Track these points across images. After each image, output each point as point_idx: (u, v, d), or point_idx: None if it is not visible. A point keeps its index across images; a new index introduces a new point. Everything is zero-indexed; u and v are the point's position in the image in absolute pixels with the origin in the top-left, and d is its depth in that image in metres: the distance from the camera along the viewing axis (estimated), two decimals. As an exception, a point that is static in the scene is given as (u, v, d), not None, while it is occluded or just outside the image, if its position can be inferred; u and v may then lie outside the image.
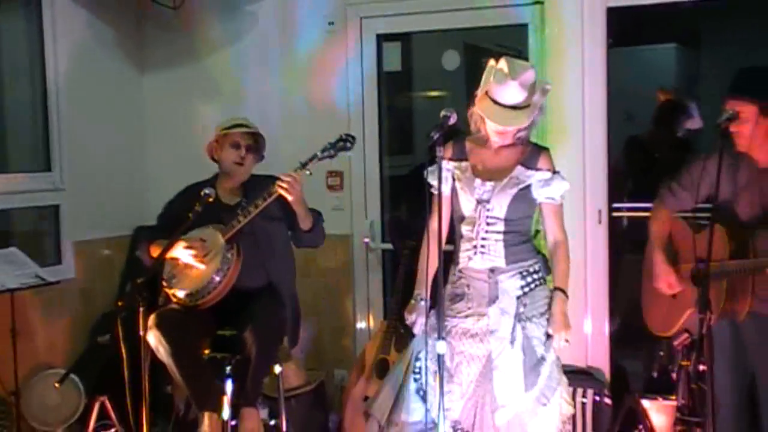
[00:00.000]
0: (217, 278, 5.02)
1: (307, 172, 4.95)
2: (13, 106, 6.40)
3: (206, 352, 5.17)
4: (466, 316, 4.34)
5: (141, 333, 4.74)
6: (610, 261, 5.75)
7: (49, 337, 6.24)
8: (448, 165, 4.43)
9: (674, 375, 4.98)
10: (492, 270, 4.31)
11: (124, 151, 6.84)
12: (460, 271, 4.42)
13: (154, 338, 4.93)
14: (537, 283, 4.33)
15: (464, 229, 4.39)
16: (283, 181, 4.88)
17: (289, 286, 5.40)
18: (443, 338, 3.99)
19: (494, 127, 4.23)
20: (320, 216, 5.26)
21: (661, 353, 5.29)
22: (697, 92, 6.93)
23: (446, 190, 4.43)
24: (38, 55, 6.29)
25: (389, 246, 6.45)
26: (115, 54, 6.82)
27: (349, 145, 4.99)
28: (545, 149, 4.40)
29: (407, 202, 6.69)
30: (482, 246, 4.33)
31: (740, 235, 4.21)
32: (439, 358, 4.01)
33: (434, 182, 4.38)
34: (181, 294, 5.08)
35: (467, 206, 4.36)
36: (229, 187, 5.31)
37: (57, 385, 5.75)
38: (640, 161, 6.54)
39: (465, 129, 4.54)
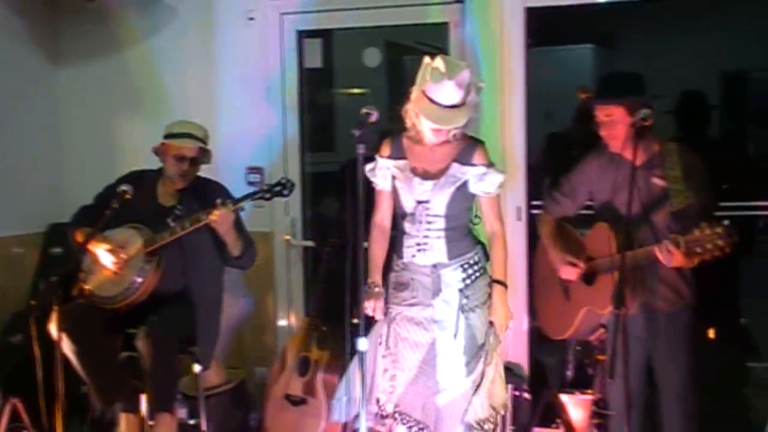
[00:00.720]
0: (132, 286, 5.04)
1: (241, 208, 4.94)
2: None
3: (122, 354, 5.17)
4: (411, 305, 4.50)
5: (55, 332, 4.74)
6: (528, 258, 5.83)
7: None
8: (386, 163, 4.52)
9: (590, 370, 5.07)
10: (435, 265, 4.45)
11: (37, 146, 6.75)
12: (403, 263, 4.53)
13: (57, 335, 4.81)
14: (477, 274, 4.49)
15: (406, 226, 4.50)
16: (214, 215, 4.85)
17: (211, 295, 5.39)
18: (364, 336, 4.10)
19: (430, 125, 4.28)
20: (252, 245, 5.25)
21: (578, 348, 5.38)
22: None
23: (387, 186, 4.55)
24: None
25: (311, 243, 6.48)
26: (27, 46, 6.73)
27: (286, 192, 4.95)
28: (480, 143, 4.49)
29: (333, 199, 6.71)
30: (425, 243, 4.45)
31: (624, 229, 4.31)
32: (361, 355, 4.11)
33: (375, 178, 4.53)
34: (93, 291, 5.09)
35: (408, 204, 4.47)
36: (169, 190, 5.27)
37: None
38: (560, 158, 6.62)
39: (390, 126, 4.63)
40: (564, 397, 5.35)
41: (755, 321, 6.20)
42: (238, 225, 5.06)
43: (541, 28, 5.95)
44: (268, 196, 4.95)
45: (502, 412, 4.62)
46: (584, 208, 4.87)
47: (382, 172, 4.53)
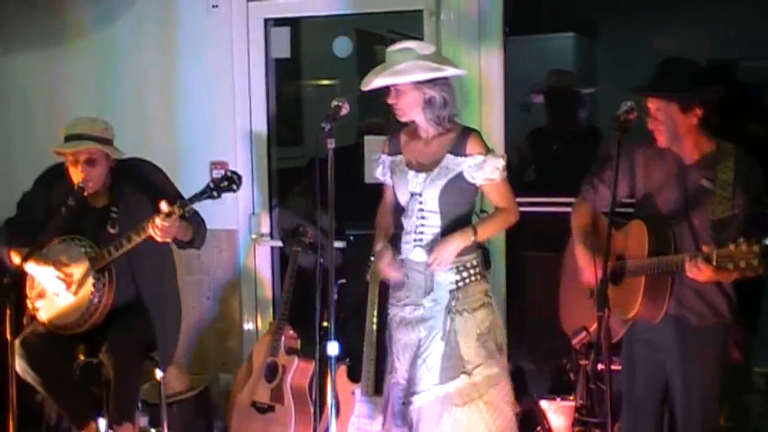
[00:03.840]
0: (91, 308, 5.04)
1: (189, 212, 4.80)
2: None
3: (81, 358, 5.16)
4: (404, 305, 4.54)
5: (8, 337, 4.68)
6: (507, 255, 5.81)
7: None
8: (385, 159, 4.68)
9: (572, 375, 5.06)
10: (428, 264, 4.42)
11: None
12: (402, 260, 4.55)
13: (20, 369, 4.89)
14: (473, 278, 4.48)
15: (403, 221, 4.54)
16: (156, 227, 4.74)
17: (166, 296, 5.35)
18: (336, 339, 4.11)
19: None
20: (200, 224, 5.18)
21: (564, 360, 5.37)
22: (595, 81, 7.04)
23: (389, 180, 4.68)
24: None
25: (278, 243, 6.44)
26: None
27: (235, 187, 4.78)
28: (473, 132, 4.51)
29: (302, 196, 6.68)
30: (420, 240, 4.46)
31: (661, 230, 4.20)
32: (330, 360, 4.14)
33: (377, 173, 4.71)
34: (48, 320, 5.10)
35: (402, 198, 4.53)
36: (93, 191, 5.15)
37: None
38: (543, 153, 6.62)
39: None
40: (544, 404, 5.34)
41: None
42: (187, 217, 4.91)
43: (520, 16, 5.94)
44: (215, 194, 4.75)
45: None
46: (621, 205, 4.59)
47: (382, 168, 4.69)
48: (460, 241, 4.34)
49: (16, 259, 4.97)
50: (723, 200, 4.07)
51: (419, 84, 4.37)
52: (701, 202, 4.15)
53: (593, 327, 4.40)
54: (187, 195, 4.97)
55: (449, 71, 4.44)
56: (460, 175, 4.39)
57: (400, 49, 4.45)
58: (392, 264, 4.49)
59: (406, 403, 4.54)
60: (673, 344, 4.28)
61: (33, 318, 5.15)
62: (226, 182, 4.75)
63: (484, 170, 4.38)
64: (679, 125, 4.16)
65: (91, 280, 5.02)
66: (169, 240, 4.89)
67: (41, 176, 5.32)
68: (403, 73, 4.35)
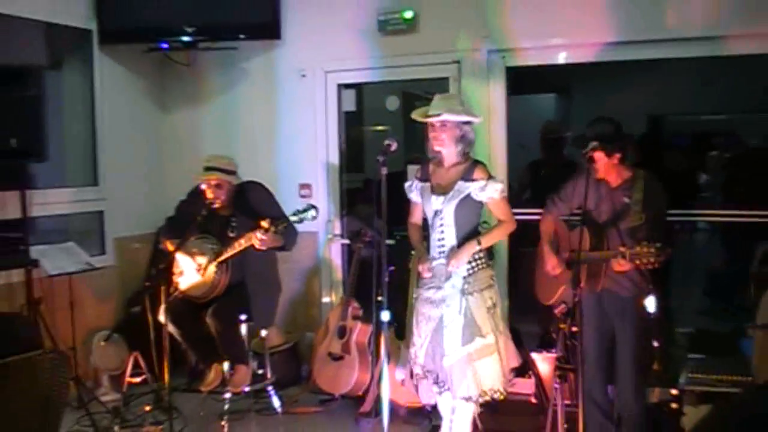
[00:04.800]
0: (213, 285, 5.16)
1: (280, 231, 4.90)
2: (70, 137, 6.35)
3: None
4: (428, 288, 4.46)
5: (162, 306, 4.76)
6: (509, 254, 5.81)
7: (96, 308, 6.20)
8: (417, 183, 4.59)
9: (554, 335, 5.02)
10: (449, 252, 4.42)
11: (148, 170, 6.78)
12: (427, 258, 4.50)
13: (165, 320, 4.97)
14: (481, 266, 4.44)
15: (429, 234, 4.51)
16: (257, 239, 4.88)
17: (268, 280, 5.42)
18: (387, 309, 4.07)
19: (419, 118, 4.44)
20: (291, 233, 5.13)
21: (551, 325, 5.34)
22: (569, 128, 7.04)
23: (418, 200, 4.60)
24: (89, 100, 6.27)
25: (347, 241, 6.44)
26: (144, 98, 6.76)
27: (312, 216, 4.90)
28: (479, 163, 4.48)
29: (363, 207, 6.66)
30: (442, 249, 4.44)
31: (598, 233, 4.36)
32: (383, 323, 4.14)
33: (410, 194, 4.62)
34: (184, 291, 5.24)
35: (429, 215, 4.50)
36: (219, 205, 5.25)
37: (102, 343, 5.76)
38: (536, 178, 6.59)
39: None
40: (534, 355, 5.31)
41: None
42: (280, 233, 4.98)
43: (517, 81, 5.92)
44: (298, 220, 4.90)
45: (490, 396, 4.43)
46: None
47: (415, 190, 4.61)
48: (468, 250, 4.36)
49: (170, 247, 5.08)
50: (635, 213, 4.28)
51: (460, 123, 4.38)
52: (623, 214, 4.34)
53: (556, 295, 4.65)
54: (284, 207, 5.05)
55: (479, 119, 4.50)
56: (468, 196, 4.38)
57: (447, 95, 4.58)
58: (426, 267, 4.47)
59: (429, 368, 4.51)
60: (612, 308, 4.46)
61: (176, 289, 5.21)
62: (306, 212, 4.86)
63: (486, 191, 4.38)
64: (606, 163, 4.34)
65: (213, 268, 5.10)
66: (265, 248, 4.97)
67: (191, 192, 5.43)
68: (458, 113, 4.37)
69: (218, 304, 5.16)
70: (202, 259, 5.18)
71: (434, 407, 4.90)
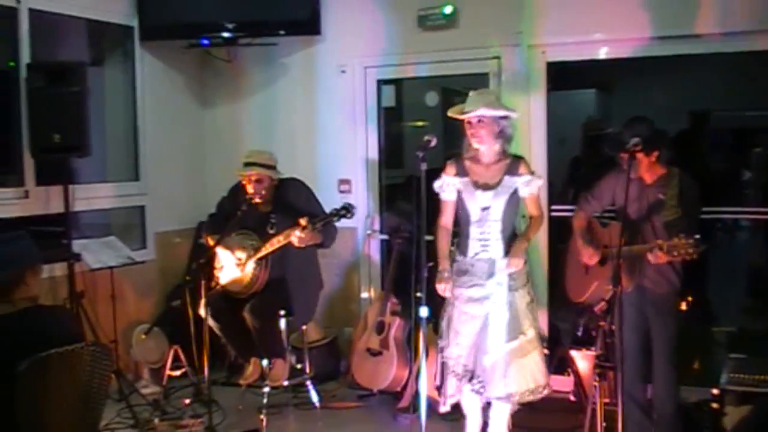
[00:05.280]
0: (251, 282, 5.17)
1: (318, 228, 4.94)
2: (112, 133, 6.42)
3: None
4: (470, 287, 4.44)
5: (202, 300, 4.78)
6: (549, 249, 5.75)
7: (137, 301, 6.27)
8: (453, 180, 4.51)
9: (594, 333, 4.98)
10: (490, 258, 4.43)
11: (189, 165, 6.82)
12: (467, 259, 4.47)
13: (205, 314, 5.02)
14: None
15: (472, 230, 4.46)
16: (296, 236, 4.91)
17: (307, 276, 5.40)
18: (426, 305, 4.04)
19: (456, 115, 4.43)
20: (330, 231, 5.16)
21: (586, 317, 5.28)
22: (610, 124, 6.97)
23: (452, 197, 4.53)
24: (131, 96, 6.34)
25: (385, 236, 6.43)
26: (185, 95, 6.81)
27: (349, 215, 4.97)
28: (522, 158, 4.52)
29: (402, 203, 6.64)
30: (486, 243, 4.43)
31: (633, 229, 4.36)
32: (421, 319, 4.12)
33: (442, 192, 4.54)
34: (224, 285, 5.25)
35: (474, 212, 4.45)
36: (260, 201, 5.25)
37: (143, 336, 5.82)
38: (578, 174, 6.55)
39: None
40: (573, 352, 5.27)
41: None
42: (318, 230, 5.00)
43: (558, 77, 5.86)
44: (335, 219, 4.96)
45: (535, 394, 4.48)
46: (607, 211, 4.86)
47: (449, 187, 4.52)
48: (524, 251, 4.40)
49: (211, 242, 5.10)
50: (671, 208, 4.30)
51: (499, 119, 4.37)
52: (657, 210, 4.36)
53: (588, 292, 4.66)
54: (324, 202, 5.05)
55: (516, 113, 4.51)
56: (516, 191, 4.41)
57: (483, 91, 4.60)
58: (446, 288, 4.43)
59: (472, 367, 4.49)
60: (645, 304, 4.47)
61: (216, 284, 5.22)
62: (344, 211, 4.93)
63: (530, 186, 4.43)
64: (643, 161, 4.35)
65: (252, 264, 5.11)
66: (303, 246, 4.97)
67: (232, 188, 5.45)
68: (495, 108, 4.37)
69: (255, 300, 5.16)
70: (242, 254, 5.20)
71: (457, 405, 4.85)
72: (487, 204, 4.41)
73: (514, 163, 4.44)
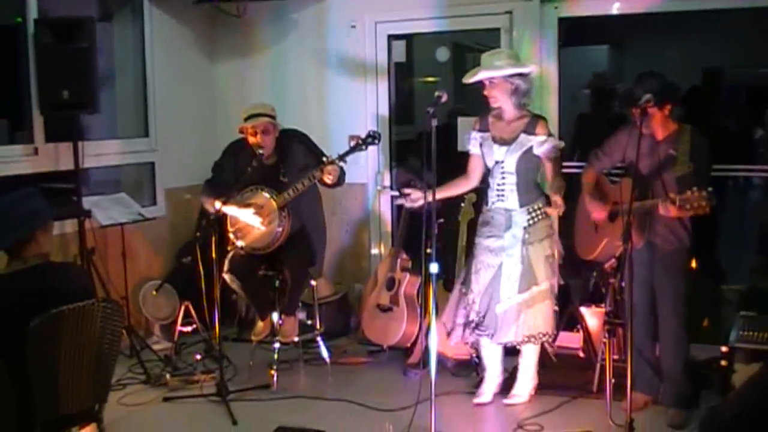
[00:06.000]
0: (276, 236, 5.09)
1: (343, 163, 4.98)
2: (121, 89, 6.39)
3: (262, 272, 5.26)
4: (488, 237, 4.65)
5: (213, 255, 4.77)
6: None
7: (148, 258, 6.28)
8: (476, 134, 4.72)
9: (603, 289, 4.98)
10: (507, 209, 4.58)
11: (199, 121, 6.77)
12: (487, 208, 4.69)
13: (228, 278, 5.09)
14: (539, 216, 4.61)
15: (489, 180, 4.67)
16: (327, 172, 4.92)
17: (319, 223, 5.43)
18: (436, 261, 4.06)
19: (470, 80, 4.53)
20: (343, 172, 5.14)
21: (595, 273, 5.27)
22: (622, 80, 6.90)
23: (477, 151, 4.74)
24: (140, 52, 6.28)
25: (396, 193, 6.38)
26: (194, 50, 6.74)
27: (377, 141, 5.03)
28: (541, 118, 4.63)
29: (412, 159, 6.61)
30: (501, 193, 4.59)
31: (643, 185, 4.31)
32: (432, 276, 4.11)
33: (468, 145, 4.76)
34: (247, 245, 5.14)
35: (489, 164, 4.64)
36: (267, 154, 5.20)
37: (154, 292, 5.83)
38: (586, 131, 6.49)
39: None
40: (583, 309, 5.26)
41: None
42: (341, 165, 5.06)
43: (570, 33, 5.79)
44: (363, 147, 5.01)
45: (542, 339, 4.66)
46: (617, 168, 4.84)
47: (474, 141, 4.74)
48: (557, 196, 4.40)
49: (217, 204, 4.99)
50: (683, 163, 4.23)
51: (509, 77, 4.47)
52: (669, 165, 4.29)
53: (598, 249, 4.64)
54: (332, 155, 5.03)
55: (530, 68, 4.58)
56: (530, 149, 4.51)
57: (494, 52, 4.62)
58: (413, 200, 4.72)
59: (484, 314, 4.64)
60: (654, 261, 4.43)
61: (234, 245, 5.20)
62: (370, 138, 5.00)
63: (544, 147, 4.51)
64: (657, 117, 4.30)
65: (276, 215, 5.07)
66: (333, 182, 4.99)
67: (227, 149, 5.39)
68: (499, 69, 4.46)
69: (287, 254, 5.16)
70: (265, 209, 5.09)
71: (479, 358, 4.98)
72: (501, 158, 4.57)
73: (532, 122, 4.55)
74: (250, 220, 5.09)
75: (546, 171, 4.60)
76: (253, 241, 5.14)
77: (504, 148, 4.55)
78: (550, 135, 4.54)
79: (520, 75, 4.49)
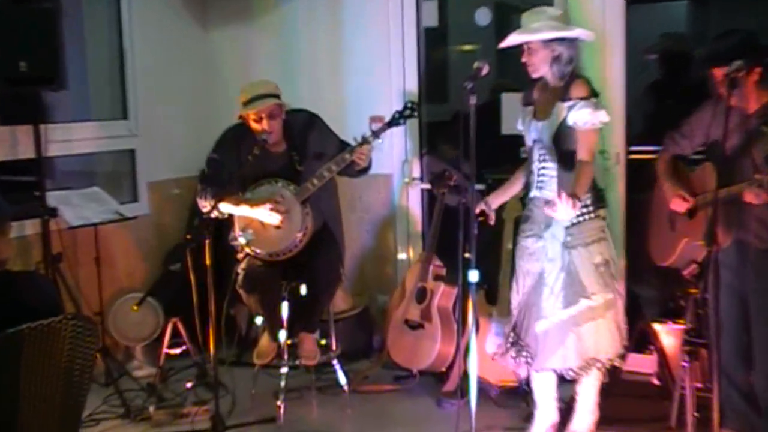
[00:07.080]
0: (299, 236, 5.07)
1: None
2: (94, 61, 6.40)
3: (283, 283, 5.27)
4: (527, 236, 4.56)
5: (207, 262, 4.75)
6: (626, 199, 5.64)
7: (128, 265, 6.31)
8: (523, 109, 4.64)
9: (683, 302, 4.93)
10: (547, 201, 4.33)
11: (191, 100, 6.81)
12: (530, 198, 4.61)
13: (244, 294, 5.14)
14: (587, 216, 4.38)
15: (531, 165, 4.55)
16: (361, 153, 4.99)
17: (338, 220, 5.44)
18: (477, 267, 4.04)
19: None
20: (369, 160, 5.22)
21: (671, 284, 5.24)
22: (707, 43, 6.82)
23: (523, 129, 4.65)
24: (115, 18, 6.28)
25: (427, 186, 6.38)
26: (182, 15, 6.77)
27: (415, 114, 5.08)
28: (579, 77, 4.40)
29: (447, 145, 6.59)
30: (541, 180, 4.47)
31: (727, 170, 4.16)
32: (471, 285, 4.10)
33: (518, 126, 4.68)
34: (263, 252, 5.11)
35: (528, 144, 4.56)
36: (275, 140, 5.20)
37: (135, 307, 5.82)
38: (657, 106, 6.42)
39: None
40: (657, 326, 5.21)
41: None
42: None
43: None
44: (402, 121, 5.08)
45: (600, 364, 4.49)
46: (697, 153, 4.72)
47: (520, 118, 4.66)
48: (566, 201, 4.10)
49: (223, 208, 4.97)
50: None
51: (549, 42, 4.34)
52: (758, 141, 4.17)
53: (676, 253, 4.56)
54: (349, 141, 5.07)
55: (576, 32, 4.39)
56: (565, 120, 4.31)
57: (534, 11, 4.45)
58: (478, 209, 4.58)
59: (522, 332, 4.59)
60: (745, 265, 4.31)
61: (246, 254, 5.16)
62: (408, 111, 5.06)
63: (577, 114, 4.29)
64: (747, 84, 4.17)
65: (298, 211, 5.07)
66: (365, 163, 5.09)
67: (224, 139, 5.32)
68: (535, 32, 4.34)
69: (316, 257, 5.16)
70: (285, 203, 5.04)
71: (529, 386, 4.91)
72: (538, 136, 4.45)
73: (568, 85, 4.36)
74: (266, 219, 5.04)
75: (577, 149, 4.33)
76: (271, 246, 5.11)
77: (540, 124, 4.43)
78: (586, 98, 4.30)
79: (563, 40, 4.34)
